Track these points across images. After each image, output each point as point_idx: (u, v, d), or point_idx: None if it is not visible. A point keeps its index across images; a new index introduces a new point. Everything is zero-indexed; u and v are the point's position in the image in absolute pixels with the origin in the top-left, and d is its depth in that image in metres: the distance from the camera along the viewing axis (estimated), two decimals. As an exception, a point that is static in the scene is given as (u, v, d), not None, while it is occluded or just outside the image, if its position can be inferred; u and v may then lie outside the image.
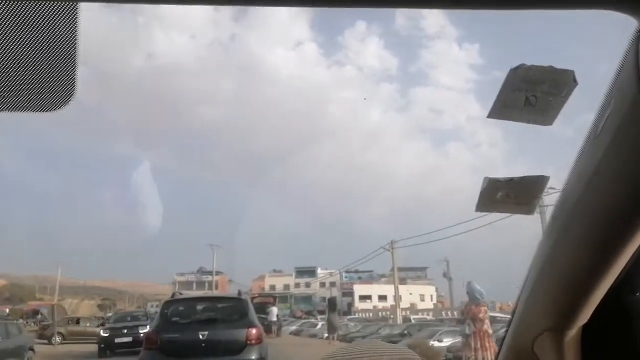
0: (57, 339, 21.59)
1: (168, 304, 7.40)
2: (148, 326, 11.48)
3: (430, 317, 32.20)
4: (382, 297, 54.22)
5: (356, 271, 55.69)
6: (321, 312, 45.29)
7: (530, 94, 0.72)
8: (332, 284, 58.90)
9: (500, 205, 0.71)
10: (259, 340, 6.81)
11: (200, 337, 6.52)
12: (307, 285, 60.56)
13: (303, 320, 34.72)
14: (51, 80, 0.57)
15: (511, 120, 0.73)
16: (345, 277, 58.04)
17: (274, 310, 23.03)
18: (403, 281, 64.48)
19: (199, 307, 7.63)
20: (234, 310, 7.41)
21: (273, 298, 27.46)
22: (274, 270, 63.04)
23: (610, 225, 0.57)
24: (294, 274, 61.43)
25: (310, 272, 60.75)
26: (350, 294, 56.21)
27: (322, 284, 58.71)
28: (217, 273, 50.92)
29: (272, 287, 55.32)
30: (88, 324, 25.01)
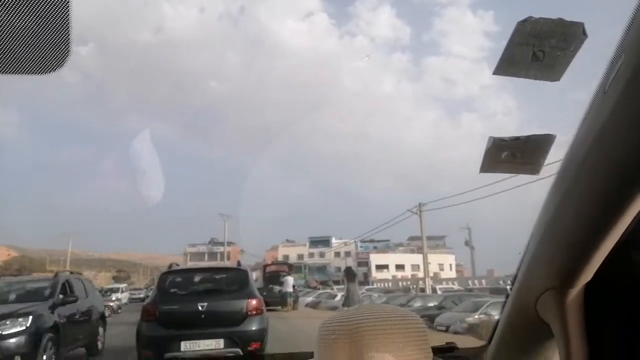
0: None
1: (165, 275, 7.49)
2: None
3: (456, 286, 31.81)
4: (400, 267, 54.81)
5: (371, 240, 56.20)
6: (336, 282, 45.89)
7: (537, 49, 0.72)
8: (347, 254, 59.67)
9: (506, 165, 0.72)
10: (260, 310, 6.95)
11: (200, 308, 6.67)
12: (322, 255, 61.41)
13: (320, 291, 32.54)
14: (45, 42, 0.59)
15: (517, 76, 0.73)
16: (361, 246, 58.70)
17: (290, 279, 21.51)
18: (421, 250, 64.99)
19: (198, 278, 7.71)
20: (233, 280, 7.51)
21: (288, 266, 25.91)
22: (287, 241, 64.01)
23: (617, 181, 0.59)
24: (307, 244, 62.31)
25: (325, 242, 61.48)
26: (365, 263, 56.92)
27: (337, 254, 59.46)
28: (229, 244, 51.90)
29: (286, 257, 56.20)
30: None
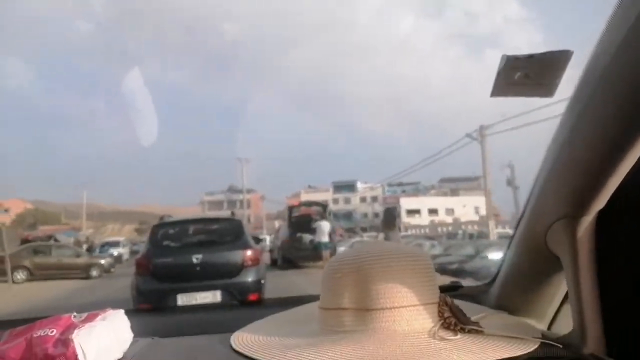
0: (20, 275, 17.60)
1: (157, 227, 7.72)
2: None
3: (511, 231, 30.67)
4: (433, 211, 54.61)
5: (400, 184, 56.22)
6: (364, 230, 46.46)
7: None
8: (374, 199, 60.15)
9: (519, 87, 0.71)
10: (257, 261, 7.23)
11: (194, 260, 6.94)
12: (347, 201, 62.01)
13: (354, 239, 26.99)
14: None
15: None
16: (388, 191, 58.89)
17: (325, 226, 16.35)
18: (455, 192, 65.00)
19: (191, 229, 7.93)
20: (228, 231, 7.68)
21: (322, 207, 19.81)
22: (310, 186, 64.63)
23: (636, 97, 0.58)
24: (331, 190, 62.87)
25: (349, 187, 61.90)
26: (394, 208, 57.39)
27: (363, 199, 59.96)
28: (249, 191, 52.85)
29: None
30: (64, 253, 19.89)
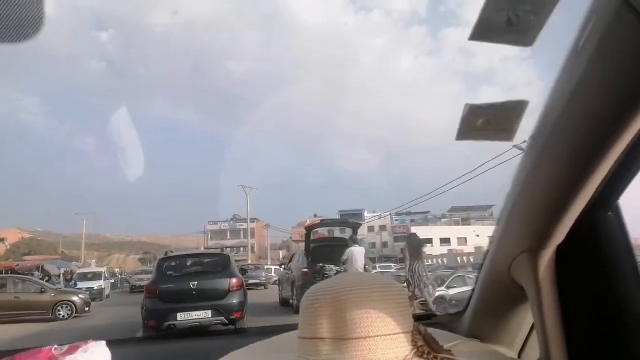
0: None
1: (163, 260, 10.16)
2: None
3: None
4: (445, 240, 54.19)
5: (409, 213, 55.92)
6: (372, 260, 45.82)
7: (512, 13, 0.79)
8: (382, 228, 59.86)
9: (481, 132, 0.81)
10: (240, 287, 9.44)
11: (191, 286, 9.13)
12: (348, 232, 61.27)
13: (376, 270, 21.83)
14: (17, 11, 0.70)
15: (493, 42, 0.81)
16: (396, 220, 58.68)
17: (359, 253, 12.17)
18: (466, 221, 64.65)
19: (189, 262, 10.21)
20: (218, 263, 10.04)
21: (352, 227, 15.59)
22: (315, 216, 64.49)
23: (588, 142, 0.67)
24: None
25: (357, 216, 61.68)
26: (403, 238, 56.87)
27: (370, 228, 59.58)
28: (253, 220, 52.75)
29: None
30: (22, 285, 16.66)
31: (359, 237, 14.31)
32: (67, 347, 0.84)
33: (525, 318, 0.98)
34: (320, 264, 13.23)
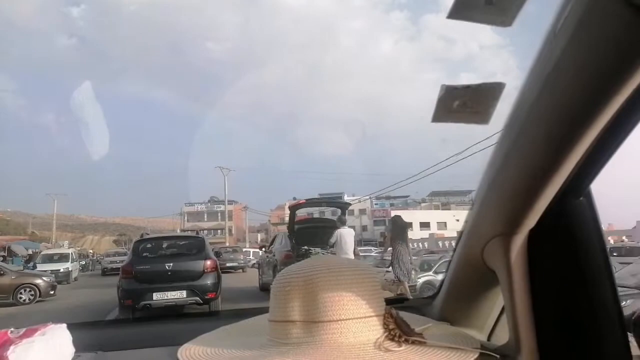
0: None
1: (138, 242, 10.39)
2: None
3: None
4: (425, 225, 54.60)
5: (388, 197, 56.39)
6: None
7: None
8: (362, 212, 60.22)
9: (457, 114, 0.80)
10: (214, 269, 9.68)
11: (167, 267, 9.40)
12: (334, 213, 61.75)
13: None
14: None
15: (471, 21, 0.80)
16: (376, 204, 59.11)
17: (348, 235, 11.08)
18: (446, 206, 65.48)
19: (165, 244, 10.48)
20: (193, 246, 10.30)
21: (341, 207, 14.42)
22: (294, 199, 64.40)
23: (562, 128, 0.67)
24: (317, 202, 62.53)
25: (336, 200, 61.87)
26: (383, 222, 57.24)
27: (350, 212, 59.78)
28: (230, 202, 52.52)
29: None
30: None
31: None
32: (24, 330, 0.82)
33: (496, 302, 0.99)
34: (305, 247, 12.33)
